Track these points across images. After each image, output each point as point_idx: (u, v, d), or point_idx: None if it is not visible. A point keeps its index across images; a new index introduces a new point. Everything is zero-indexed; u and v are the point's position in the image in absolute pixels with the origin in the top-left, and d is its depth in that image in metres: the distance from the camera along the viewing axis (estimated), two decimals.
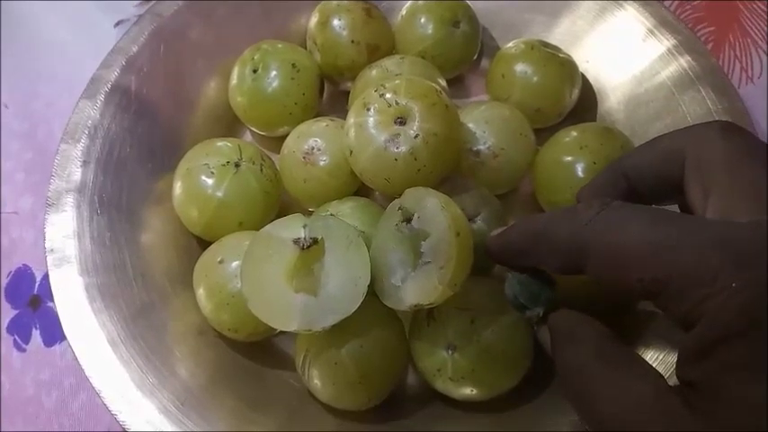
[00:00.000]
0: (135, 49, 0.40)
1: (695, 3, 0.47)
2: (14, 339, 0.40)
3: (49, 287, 0.33)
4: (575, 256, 0.23)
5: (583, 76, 0.42)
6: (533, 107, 0.40)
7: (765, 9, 0.46)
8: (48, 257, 0.33)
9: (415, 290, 0.29)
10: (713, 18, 0.47)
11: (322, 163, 0.36)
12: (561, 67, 0.40)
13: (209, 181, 0.35)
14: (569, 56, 0.41)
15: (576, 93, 0.41)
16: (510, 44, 0.42)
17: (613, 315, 0.28)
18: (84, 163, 0.36)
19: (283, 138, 0.39)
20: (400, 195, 0.31)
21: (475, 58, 0.45)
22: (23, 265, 0.42)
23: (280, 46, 0.41)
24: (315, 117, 0.40)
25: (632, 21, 0.41)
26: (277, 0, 0.45)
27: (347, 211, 0.35)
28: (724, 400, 0.18)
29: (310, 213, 0.37)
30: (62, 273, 0.33)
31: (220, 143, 0.37)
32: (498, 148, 0.37)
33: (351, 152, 0.34)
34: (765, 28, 0.46)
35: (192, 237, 0.38)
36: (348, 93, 0.42)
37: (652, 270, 0.20)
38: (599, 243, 0.22)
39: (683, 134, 0.25)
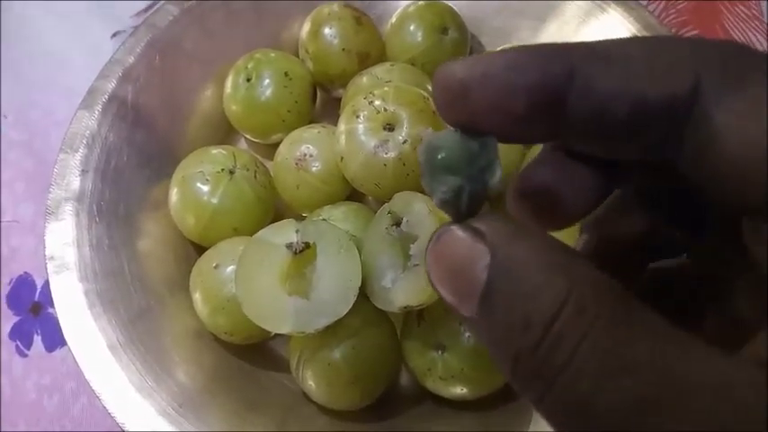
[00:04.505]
0: (131, 59, 0.41)
1: (680, 6, 0.48)
2: (17, 345, 0.41)
3: (50, 294, 0.33)
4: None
5: None
6: None
7: (747, 12, 0.47)
8: (48, 264, 0.34)
9: (404, 291, 0.30)
10: (696, 21, 0.48)
11: (314, 169, 0.37)
12: None
13: (205, 188, 0.36)
14: None
15: None
16: (497, 50, 0.43)
17: None
18: (83, 172, 0.37)
19: (277, 144, 0.40)
20: (390, 199, 0.32)
21: None
22: (24, 272, 0.43)
23: (272, 55, 0.42)
24: (308, 124, 0.41)
25: (617, 25, 0.42)
26: (270, 9, 0.45)
27: (339, 216, 0.36)
28: None
29: (304, 219, 0.38)
30: (62, 279, 0.34)
31: (215, 151, 0.38)
32: None
33: (342, 158, 0.35)
34: (747, 31, 0.47)
35: (189, 242, 0.39)
36: (340, 99, 0.42)
37: None
38: None
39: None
